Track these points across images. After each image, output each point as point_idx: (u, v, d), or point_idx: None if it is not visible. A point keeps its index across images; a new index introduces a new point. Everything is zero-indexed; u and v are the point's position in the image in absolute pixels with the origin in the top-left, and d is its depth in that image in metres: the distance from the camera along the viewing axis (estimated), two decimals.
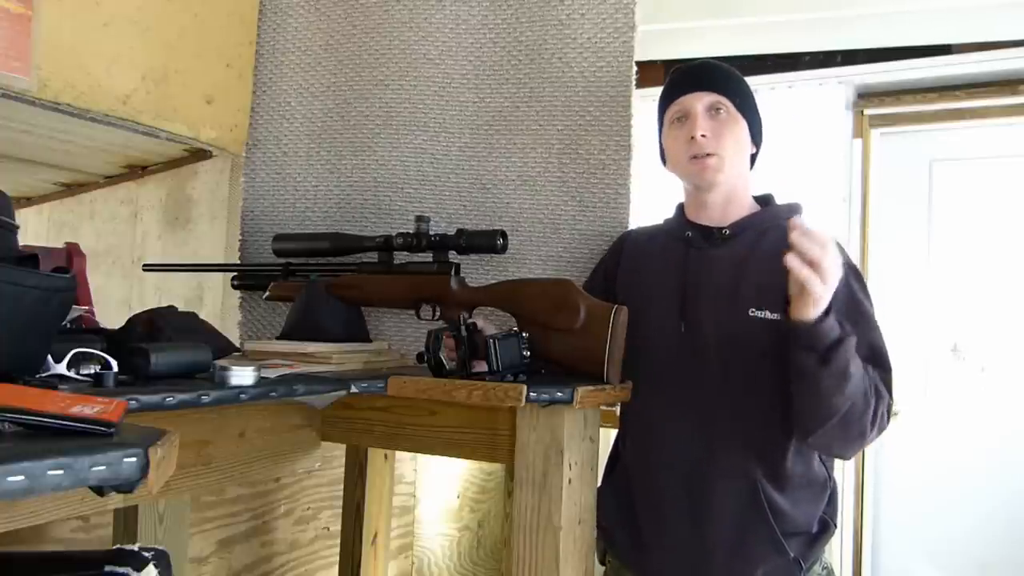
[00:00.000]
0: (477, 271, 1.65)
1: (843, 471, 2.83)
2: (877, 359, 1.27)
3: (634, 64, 1.62)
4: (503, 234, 1.46)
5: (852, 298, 1.29)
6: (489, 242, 1.46)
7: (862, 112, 2.94)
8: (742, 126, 1.39)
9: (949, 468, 2.80)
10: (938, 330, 2.86)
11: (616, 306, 1.31)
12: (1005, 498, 2.72)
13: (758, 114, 1.44)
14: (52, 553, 1.20)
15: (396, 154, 1.75)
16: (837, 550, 2.80)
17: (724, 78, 1.42)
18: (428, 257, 1.51)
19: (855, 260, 2.83)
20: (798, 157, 2.92)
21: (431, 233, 1.49)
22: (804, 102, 2.95)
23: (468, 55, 1.72)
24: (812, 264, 1.08)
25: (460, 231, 1.48)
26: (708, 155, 1.36)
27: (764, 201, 1.45)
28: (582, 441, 1.29)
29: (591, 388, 1.23)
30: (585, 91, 1.64)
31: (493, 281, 1.55)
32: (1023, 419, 2.73)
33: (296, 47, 1.84)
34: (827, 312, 1.14)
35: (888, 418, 1.26)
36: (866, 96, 2.96)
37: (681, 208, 1.48)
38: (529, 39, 1.68)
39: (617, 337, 1.30)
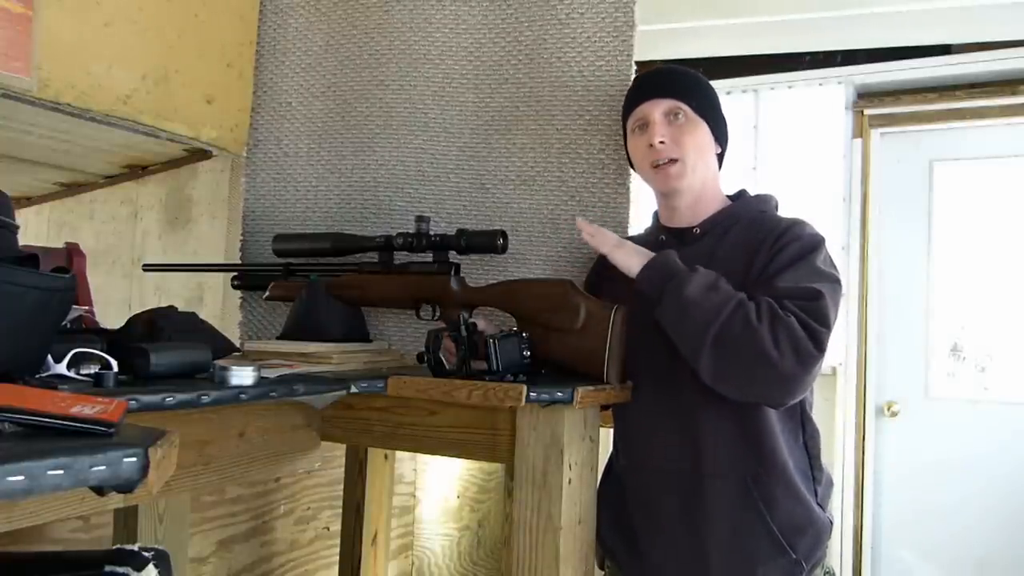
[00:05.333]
0: (477, 271, 1.65)
1: (843, 470, 2.83)
2: (801, 291, 1.23)
3: (634, 64, 1.62)
4: (503, 234, 1.46)
5: (796, 252, 1.29)
6: (489, 242, 1.46)
7: (862, 112, 2.94)
8: (702, 128, 1.39)
9: (948, 467, 2.80)
10: (938, 330, 2.86)
11: (616, 306, 1.31)
12: (1004, 498, 2.72)
13: (721, 114, 1.44)
14: (52, 553, 1.20)
15: (396, 154, 1.75)
16: (837, 550, 2.80)
17: (681, 82, 1.41)
18: (428, 257, 1.51)
19: (855, 260, 2.85)
20: (798, 157, 2.93)
21: (431, 233, 1.49)
22: (804, 102, 2.95)
23: (468, 55, 1.72)
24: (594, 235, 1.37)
25: (460, 231, 1.48)
26: (670, 161, 1.37)
27: (737, 197, 1.46)
28: (582, 441, 1.29)
29: (591, 388, 1.23)
30: (585, 91, 1.64)
31: (493, 281, 1.55)
32: (1023, 419, 2.73)
33: (297, 47, 1.84)
34: (656, 257, 1.31)
35: (816, 342, 1.18)
36: (866, 96, 2.96)
37: (656, 215, 1.49)
38: (529, 39, 1.68)
39: (617, 337, 1.30)
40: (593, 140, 1.63)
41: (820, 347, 1.19)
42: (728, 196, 1.46)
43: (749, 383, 1.23)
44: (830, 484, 1.41)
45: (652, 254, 1.32)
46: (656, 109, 1.38)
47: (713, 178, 1.43)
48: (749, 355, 1.19)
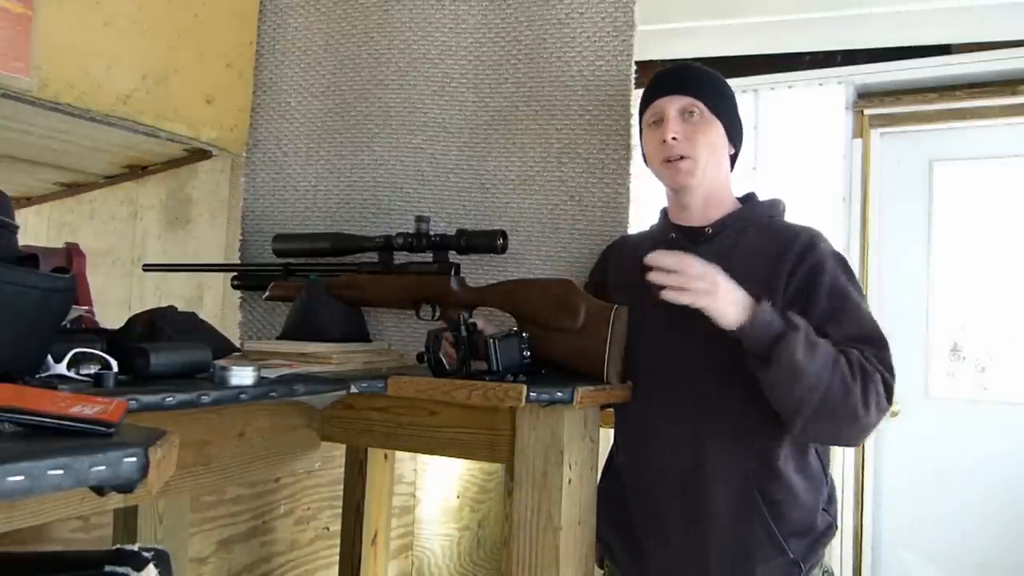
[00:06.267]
0: (477, 271, 1.65)
1: (843, 471, 2.83)
2: (868, 339, 1.26)
3: (634, 63, 1.62)
4: (503, 234, 1.46)
5: (835, 286, 1.29)
6: (489, 242, 1.46)
7: (862, 112, 2.94)
8: (716, 128, 1.39)
9: (949, 468, 2.80)
10: (938, 330, 2.86)
11: (616, 306, 1.31)
12: (1005, 499, 2.72)
13: (737, 115, 1.44)
14: (52, 553, 1.20)
15: (396, 154, 1.75)
16: (837, 551, 2.80)
17: (699, 81, 1.42)
18: (428, 257, 1.51)
19: (855, 260, 2.85)
20: (798, 157, 2.92)
21: (431, 233, 1.49)
22: (804, 102, 2.95)
23: (467, 55, 1.72)
24: (682, 287, 1.21)
25: (460, 231, 1.48)
26: (681, 158, 1.37)
27: (747, 200, 1.46)
28: (582, 441, 1.29)
29: (591, 388, 1.23)
30: (585, 91, 1.64)
31: (493, 281, 1.55)
32: (1023, 419, 2.73)
33: (296, 47, 1.84)
34: (756, 313, 1.20)
35: (889, 395, 1.24)
36: (866, 96, 2.96)
37: (665, 212, 1.49)
38: (528, 38, 1.68)
39: (617, 337, 1.30)
40: (593, 140, 1.63)
41: (891, 399, 1.25)
42: (737, 198, 1.45)
43: (835, 435, 1.29)
44: (832, 486, 1.41)
45: (745, 301, 1.22)
46: (672, 105, 1.39)
47: (725, 178, 1.43)
48: (843, 415, 1.22)
